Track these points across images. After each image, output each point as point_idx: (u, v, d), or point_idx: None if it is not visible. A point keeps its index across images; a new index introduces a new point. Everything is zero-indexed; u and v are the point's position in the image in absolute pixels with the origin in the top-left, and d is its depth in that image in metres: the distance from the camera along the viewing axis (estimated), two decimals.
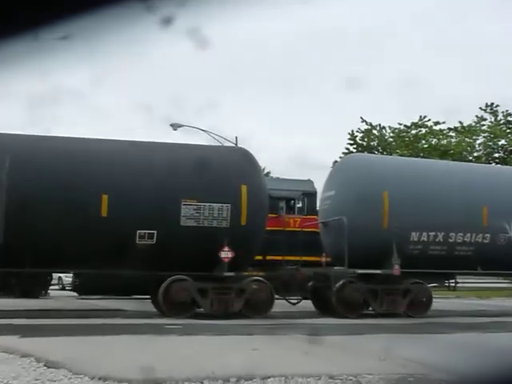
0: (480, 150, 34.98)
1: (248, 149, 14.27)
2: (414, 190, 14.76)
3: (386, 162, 15.87)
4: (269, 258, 19.67)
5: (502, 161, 34.34)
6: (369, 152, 32.84)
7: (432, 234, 14.63)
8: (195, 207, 13.12)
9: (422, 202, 14.65)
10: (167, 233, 12.92)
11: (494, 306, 19.28)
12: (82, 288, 17.63)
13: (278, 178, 23.06)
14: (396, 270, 14.19)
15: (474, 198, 15.10)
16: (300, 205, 20.59)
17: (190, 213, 13.09)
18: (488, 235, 15.05)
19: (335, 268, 14.57)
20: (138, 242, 12.78)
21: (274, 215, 18.93)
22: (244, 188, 13.42)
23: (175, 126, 27.80)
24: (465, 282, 18.79)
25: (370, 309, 14.62)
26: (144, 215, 12.75)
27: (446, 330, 11.30)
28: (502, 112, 34.72)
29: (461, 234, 14.82)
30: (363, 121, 33.84)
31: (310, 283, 14.70)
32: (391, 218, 14.34)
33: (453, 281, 15.64)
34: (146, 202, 12.81)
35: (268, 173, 48.26)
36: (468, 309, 17.74)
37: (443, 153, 32.59)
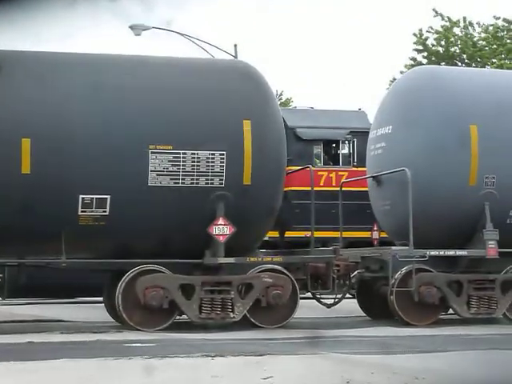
0: None
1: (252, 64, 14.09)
2: None
3: (474, 78, 15.52)
4: (290, 234, 19.90)
5: None
6: (447, 64, 32.53)
7: None
8: (171, 157, 13.07)
9: None
10: (127, 198, 12.91)
11: None
12: (3, 288, 17.73)
13: (309, 110, 22.90)
14: (491, 249, 14.18)
15: None
16: (346, 150, 20.60)
17: (162, 166, 13.04)
18: None
19: (394, 249, 14.54)
20: (80, 212, 12.81)
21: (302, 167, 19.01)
22: (247, 125, 13.33)
23: (138, 29, 27.63)
24: None
25: (451, 311, 14.68)
26: (89, 171, 12.71)
27: None
28: None
29: None
30: (437, 14, 33.33)
31: (355, 273, 14.71)
32: (483, 168, 14.23)
33: None
34: (92, 150, 12.74)
35: (288, 101, 49.01)
36: None
37: None
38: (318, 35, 66.37)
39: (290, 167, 20.19)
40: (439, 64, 32.86)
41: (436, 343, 12.48)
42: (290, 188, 20.34)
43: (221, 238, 13.14)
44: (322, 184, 19.96)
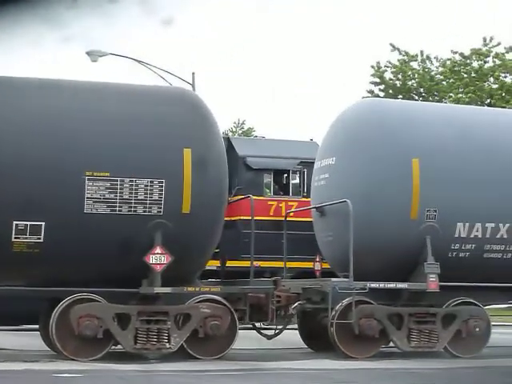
0: None
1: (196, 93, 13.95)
2: (463, 156, 14.58)
3: (419, 111, 15.51)
4: (239, 264, 19.69)
5: None
6: (404, 97, 32.70)
7: (490, 226, 14.51)
8: (108, 184, 12.85)
9: (474, 175, 14.48)
10: (62, 224, 12.66)
11: None
12: None
13: (260, 139, 22.78)
14: (432, 283, 14.08)
15: None
16: (296, 180, 20.48)
17: (99, 193, 12.81)
18: None
19: (333, 280, 14.40)
20: (14, 239, 12.52)
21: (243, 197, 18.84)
22: (187, 153, 13.16)
23: (94, 55, 27.51)
24: None
25: (391, 345, 14.53)
26: (24, 196, 12.44)
27: None
28: None
29: None
30: (394, 48, 33.58)
31: (296, 304, 14.52)
32: (424, 201, 14.16)
33: None
34: (26, 175, 12.49)
35: (250, 130, 48.85)
36: None
37: None
38: (282, 65, 66.81)
39: (240, 196, 20.24)
40: (396, 97, 33.05)
41: (371, 377, 12.35)
42: (239, 217, 20.26)
43: (157, 267, 12.90)
44: (271, 214, 19.82)
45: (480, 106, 31.97)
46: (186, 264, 13.21)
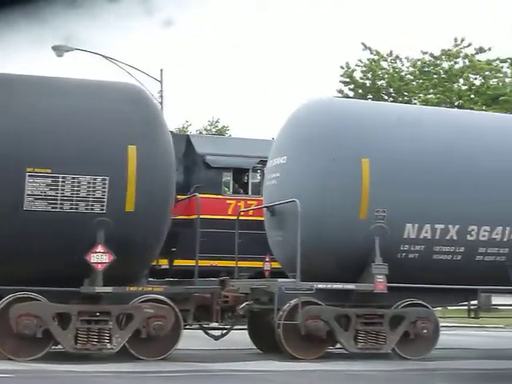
0: None
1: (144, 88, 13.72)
2: (414, 157, 14.44)
3: (370, 111, 15.33)
4: (190, 263, 19.51)
5: None
6: (374, 97, 32.56)
7: (440, 227, 14.37)
8: (50, 181, 12.59)
9: (424, 176, 14.34)
10: (1, 222, 12.39)
11: None
12: None
13: (220, 137, 22.57)
14: (380, 284, 13.92)
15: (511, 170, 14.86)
16: (256, 179, 20.30)
17: (40, 189, 12.56)
18: None
19: (280, 281, 14.22)
20: None
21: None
22: (132, 150, 12.93)
23: (60, 50, 27.26)
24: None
25: (338, 346, 14.36)
26: None
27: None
28: None
29: (487, 227, 14.59)
30: (366, 47, 33.45)
31: (244, 305, 14.32)
32: (373, 202, 14.00)
33: (474, 302, 15.39)
34: None
35: (224, 128, 48.59)
36: (499, 346, 17.64)
37: (492, 99, 32.40)
38: (274, 65, 66.89)
39: (199, 195, 20.02)
40: (366, 97, 32.91)
41: (312, 379, 12.19)
42: (197, 216, 20.04)
43: (99, 266, 12.66)
44: (230, 213, 19.64)
45: (449, 107, 31.90)
46: (130, 263, 12.96)
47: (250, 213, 18.55)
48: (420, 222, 14.29)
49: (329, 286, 13.90)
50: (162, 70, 29.50)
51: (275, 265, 15.94)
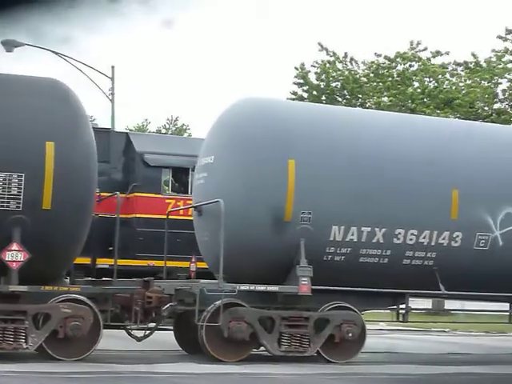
0: (505, 99, 35.00)
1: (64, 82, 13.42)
2: (341, 159, 14.29)
3: (297, 111, 15.09)
4: (133, 263, 19.23)
5: None
6: (327, 98, 32.42)
7: (366, 230, 14.21)
8: None
9: (351, 178, 14.19)
10: None
11: (471, 346, 19.31)
12: None
13: (161, 135, 22.29)
14: (304, 286, 13.75)
15: (440, 174, 14.76)
16: None
17: None
18: (459, 235, 14.74)
19: (202, 282, 13.99)
20: None
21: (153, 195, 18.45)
22: (50, 147, 12.64)
23: (9, 45, 26.93)
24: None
25: (263, 348, 14.16)
26: None
27: None
28: None
29: (414, 231, 14.47)
30: (322, 48, 33.30)
31: (167, 306, 14.06)
32: (299, 203, 13.81)
33: (402, 305, 15.24)
34: None
35: (184, 127, 48.36)
36: (427, 350, 17.55)
37: (445, 102, 32.41)
38: (215, 64, 66.78)
39: (137, 194, 19.77)
40: (320, 98, 32.77)
41: (223, 382, 11.98)
42: (134, 215, 19.78)
43: (13, 264, 12.38)
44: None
45: (402, 110, 31.84)
46: (48, 262, 12.70)
47: (189, 212, 18.34)
48: (346, 224, 14.13)
49: (252, 287, 13.69)
50: (113, 67, 29.19)
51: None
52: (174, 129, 47.66)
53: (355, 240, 14.19)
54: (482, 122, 27.50)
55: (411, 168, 14.59)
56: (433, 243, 14.60)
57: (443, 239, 14.65)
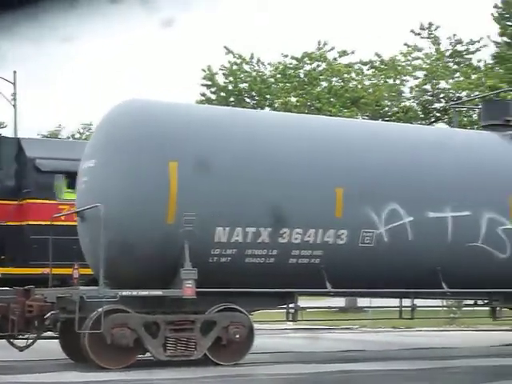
0: (412, 97, 35.43)
1: None
2: (224, 160, 14.15)
3: (181, 112, 14.85)
4: (27, 271, 18.75)
5: (444, 113, 34.86)
6: (236, 100, 32.33)
7: (251, 230, 14.10)
8: None
9: (234, 179, 14.07)
10: None
11: (370, 342, 19.48)
12: None
13: (52, 140, 21.87)
14: (189, 289, 13.57)
15: (323, 173, 14.75)
16: None
17: None
18: (344, 232, 14.74)
19: (82, 289, 13.70)
20: None
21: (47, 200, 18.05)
22: None
23: None
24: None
25: (149, 354, 13.93)
26: None
27: None
28: (449, 38, 35.10)
29: (299, 230, 14.40)
30: (228, 51, 33.19)
31: (49, 314, 13.73)
32: (182, 205, 13.63)
33: (292, 304, 15.17)
34: None
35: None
36: (323, 349, 17.60)
37: (352, 101, 32.62)
38: (125, 68, 66.42)
39: (29, 200, 19.33)
40: (228, 100, 32.67)
41: None
42: (26, 222, 19.34)
43: None
44: (62, 218, 19.00)
45: (310, 109, 31.96)
46: None
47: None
48: (231, 225, 13.99)
49: (134, 292, 13.45)
50: (15, 72, 28.68)
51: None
52: (88, 134, 47.03)
53: (240, 241, 14.06)
54: (371, 121, 27.74)
55: (295, 168, 14.53)
56: (318, 241, 14.57)
57: (329, 237, 14.63)
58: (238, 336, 13.99)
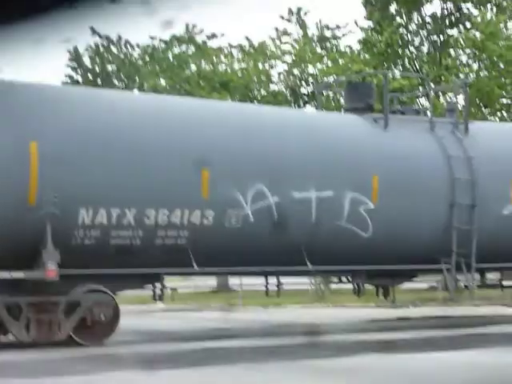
0: (280, 81, 35.86)
1: None
2: (87, 140, 14.01)
3: (42, 93, 14.32)
4: None
5: (312, 97, 35.43)
6: (106, 81, 31.95)
7: (116, 211, 14.02)
8: None
9: (98, 159, 13.96)
10: None
11: (238, 320, 19.75)
12: None
13: None
14: (51, 271, 13.40)
15: (189, 155, 14.79)
16: None
17: None
18: (211, 213, 14.84)
19: None
20: None
21: None
22: None
23: None
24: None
25: (12, 337, 13.71)
26: None
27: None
28: (317, 24, 35.69)
29: (165, 211, 14.42)
30: (94, 32, 32.75)
31: None
32: (44, 186, 13.42)
33: (159, 285, 15.23)
34: None
35: None
36: (185, 328, 17.75)
37: (221, 85, 32.74)
38: None
39: None
40: (96, 81, 32.26)
41: None
42: None
43: None
44: None
45: (180, 92, 31.89)
46: None
47: None
48: (95, 206, 13.86)
49: None
50: None
51: None
52: None
53: (105, 223, 13.96)
54: (235, 102, 27.99)
55: (159, 150, 14.51)
56: (185, 222, 14.62)
57: (195, 218, 14.70)
58: (102, 316, 13.93)
